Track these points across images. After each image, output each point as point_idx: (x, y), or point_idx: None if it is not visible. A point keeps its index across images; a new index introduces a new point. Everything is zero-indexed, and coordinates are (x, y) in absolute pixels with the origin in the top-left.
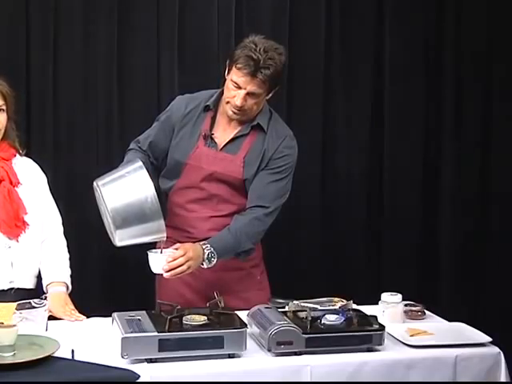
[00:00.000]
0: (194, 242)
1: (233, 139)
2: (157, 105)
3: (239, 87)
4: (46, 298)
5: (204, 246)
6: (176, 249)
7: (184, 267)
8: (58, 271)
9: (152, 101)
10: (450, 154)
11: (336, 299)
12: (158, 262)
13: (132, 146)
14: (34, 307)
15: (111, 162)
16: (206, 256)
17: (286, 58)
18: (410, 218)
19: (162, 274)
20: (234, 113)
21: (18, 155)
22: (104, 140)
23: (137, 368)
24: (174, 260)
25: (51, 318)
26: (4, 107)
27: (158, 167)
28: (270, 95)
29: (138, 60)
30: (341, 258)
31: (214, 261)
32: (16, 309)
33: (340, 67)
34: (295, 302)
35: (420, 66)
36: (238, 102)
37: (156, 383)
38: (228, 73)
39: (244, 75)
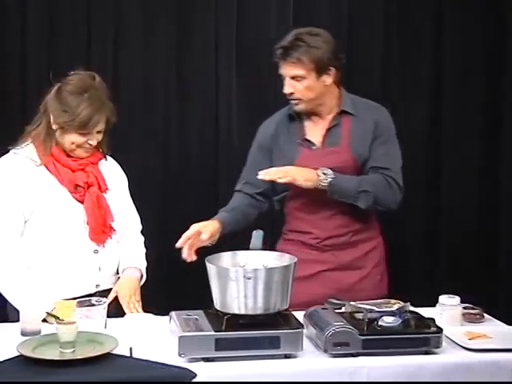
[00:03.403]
0: (318, 243)
1: (328, 133)
2: (215, 105)
3: (284, 77)
4: (101, 296)
5: (321, 168)
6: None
7: (287, 177)
8: (134, 259)
9: (210, 102)
10: (508, 154)
11: (393, 301)
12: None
13: (240, 187)
14: (94, 305)
15: (168, 163)
16: (322, 171)
17: (331, 42)
18: (468, 218)
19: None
20: (294, 104)
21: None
22: (162, 140)
23: (193, 367)
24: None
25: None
26: (103, 130)
27: (268, 196)
28: (329, 80)
29: (196, 61)
30: (398, 259)
31: (329, 178)
32: (76, 306)
33: (398, 67)
34: (352, 303)
35: (479, 66)
36: (286, 89)
37: (212, 383)
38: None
39: (281, 64)
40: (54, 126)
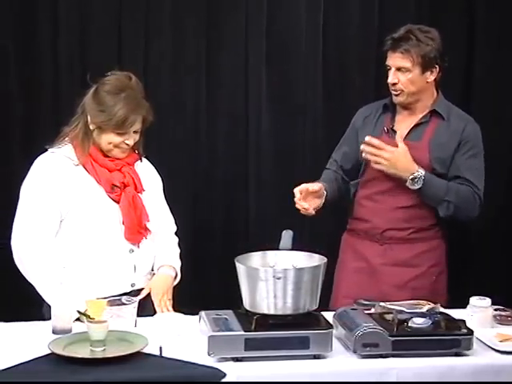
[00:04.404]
0: (377, 234)
1: (414, 128)
2: (244, 105)
3: (390, 68)
4: (136, 295)
5: (419, 170)
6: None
7: (379, 159)
8: (169, 258)
9: (239, 102)
10: None
11: (423, 302)
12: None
13: (328, 165)
14: (124, 304)
15: (200, 161)
16: (413, 175)
17: (439, 41)
18: (499, 219)
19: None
20: (395, 95)
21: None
22: (191, 141)
23: (223, 366)
24: (383, 150)
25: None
26: (139, 130)
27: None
28: (432, 77)
29: (225, 60)
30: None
31: (416, 186)
32: (107, 305)
33: None
34: (381, 304)
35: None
36: (390, 78)
37: (241, 383)
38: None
39: (389, 54)
40: (91, 126)
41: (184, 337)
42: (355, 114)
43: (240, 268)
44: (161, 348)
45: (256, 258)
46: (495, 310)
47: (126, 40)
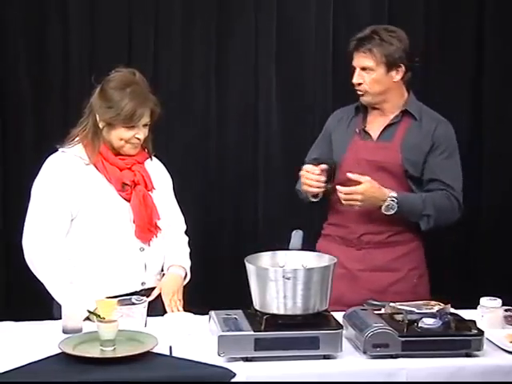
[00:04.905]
0: (355, 239)
1: (386, 129)
2: (254, 105)
3: (355, 68)
4: (147, 296)
5: (390, 195)
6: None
7: (353, 202)
8: (179, 258)
9: (249, 102)
10: None
11: (433, 302)
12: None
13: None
14: (134, 303)
15: (209, 161)
16: (385, 204)
17: (405, 41)
18: (508, 219)
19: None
20: (360, 95)
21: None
22: (201, 141)
23: (233, 366)
24: (353, 193)
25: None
26: (149, 123)
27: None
28: (397, 77)
29: (235, 61)
30: (438, 261)
31: (392, 212)
32: (117, 305)
33: (439, 66)
34: (391, 304)
35: None
36: (355, 78)
37: (251, 383)
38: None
39: (354, 54)
40: (100, 125)
41: (194, 337)
42: (329, 118)
43: (250, 268)
44: (171, 348)
45: (266, 258)
46: (506, 310)
47: (136, 41)
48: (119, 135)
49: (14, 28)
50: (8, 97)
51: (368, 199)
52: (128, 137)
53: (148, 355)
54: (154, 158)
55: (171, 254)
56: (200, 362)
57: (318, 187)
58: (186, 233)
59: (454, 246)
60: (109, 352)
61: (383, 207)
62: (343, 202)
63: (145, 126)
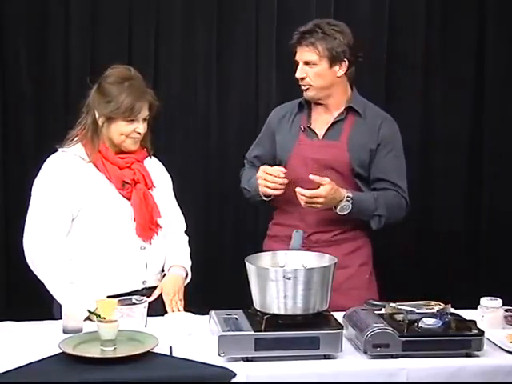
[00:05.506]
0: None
1: (331, 127)
2: (255, 105)
3: (298, 63)
4: (148, 296)
5: (346, 196)
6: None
7: (315, 205)
8: (180, 258)
9: (250, 102)
10: None
11: (433, 302)
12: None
13: (246, 164)
14: (135, 303)
15: (210, 160)
16: (341, 205)
17: (348, 36)
18: (509, 219)
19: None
20: (304, 90)
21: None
22: (201, 140)
23: (233, 366)
24: (316, 196)
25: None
26: (148, 117)
27: None
28: (341, 71)
29: (236, 60)
30: (439, 261)
31: (346, 212)
32: (117, 305)
33: (440, 66)
34: (392, 304)
35: None
36: (298, 73)
37: (251, 383)
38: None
39: (297, 48)
40: (100, 121)
41: (194, 337)
42: (270, 114)
43: (250, 268)
44: (171, 348)
45: (266, 258)
46: (506, 310)
47: (137, 41)
48: (120, 130)
49: (15, 28)
50: (8, 97)
51: (329, 201)
52: (128, 131)
53: (148, 355)
54: (155, 158)
55: (172, 254)
56: (200, 362)
57: (281, 189)
58: (186, 232)
59: (454, 246)
60: (109, 352)
61: (338, 207)
62: (304, 204)
63: (144, 120)
